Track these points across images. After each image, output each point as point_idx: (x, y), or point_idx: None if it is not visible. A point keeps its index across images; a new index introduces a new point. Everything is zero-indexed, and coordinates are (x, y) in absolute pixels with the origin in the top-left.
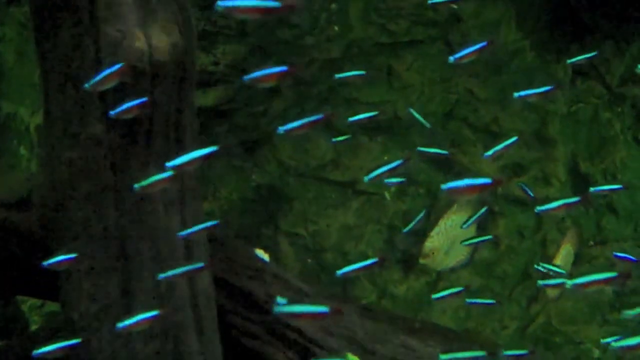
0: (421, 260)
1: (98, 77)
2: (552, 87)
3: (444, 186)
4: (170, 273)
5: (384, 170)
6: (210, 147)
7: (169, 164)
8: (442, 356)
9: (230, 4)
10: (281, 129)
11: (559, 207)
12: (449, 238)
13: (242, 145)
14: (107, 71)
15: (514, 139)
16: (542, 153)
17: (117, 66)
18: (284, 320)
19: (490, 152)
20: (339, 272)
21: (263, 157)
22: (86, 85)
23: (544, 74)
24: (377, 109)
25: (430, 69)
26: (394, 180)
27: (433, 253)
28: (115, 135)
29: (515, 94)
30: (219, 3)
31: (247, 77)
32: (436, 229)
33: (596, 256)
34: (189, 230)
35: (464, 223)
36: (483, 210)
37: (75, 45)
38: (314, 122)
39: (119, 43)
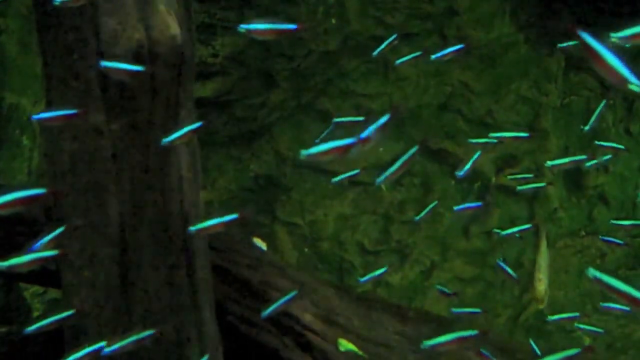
0: (540, 306)
1: None
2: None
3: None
4: None
5: None
6: None
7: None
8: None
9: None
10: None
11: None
12: (547, 270)
13: (241, 136)
14: None
15: None
16: (535, 144)
17: None
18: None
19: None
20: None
21: (261, 147)
22: None
23: (538, 67)
24: (373, 100)
25: (425, 61)
26: None
27: (546, 292)
28: (116, 125)
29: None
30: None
31: None
32: (541, 271)
33: (588, 246)
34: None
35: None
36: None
37: (76, 36)
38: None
39: (119, 35)
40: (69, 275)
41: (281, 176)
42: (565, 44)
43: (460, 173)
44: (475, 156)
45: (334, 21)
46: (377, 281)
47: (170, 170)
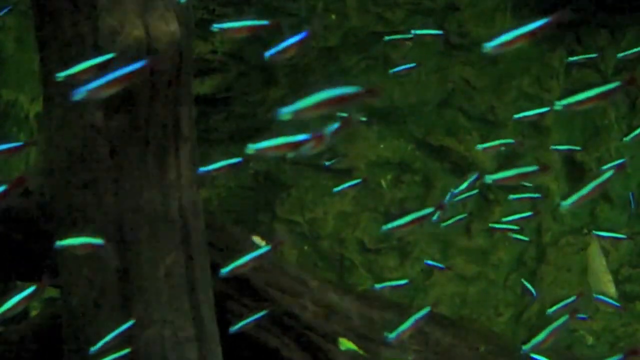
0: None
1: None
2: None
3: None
4: None
5: None
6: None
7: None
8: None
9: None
10: None
11: None
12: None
13: (240, 133)
14: None
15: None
16: (537, 141)
17: None
18: (281, 307)
19: None
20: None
21: None
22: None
23: (540, 63)
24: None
25: (426, 57)
26: None
27: (616, 291)
28: (114, 123)
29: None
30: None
31: None
32: (607, 272)
33: (590, 244)
34: None
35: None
36: None
37: (74, 33)
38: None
39: (117, 31)
40: (67, 273)
41: (281, 173)
42: (575, 58)
43: (455, 191)
44: (473, 178)
45: (333, 17)
46: (378, 280)
47: (169, 167)
